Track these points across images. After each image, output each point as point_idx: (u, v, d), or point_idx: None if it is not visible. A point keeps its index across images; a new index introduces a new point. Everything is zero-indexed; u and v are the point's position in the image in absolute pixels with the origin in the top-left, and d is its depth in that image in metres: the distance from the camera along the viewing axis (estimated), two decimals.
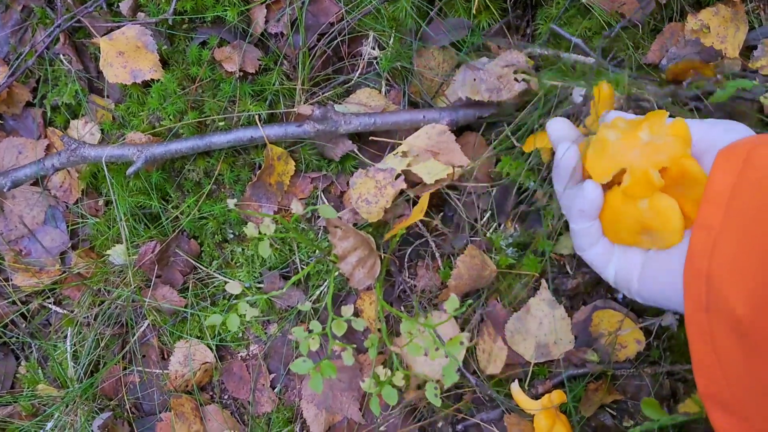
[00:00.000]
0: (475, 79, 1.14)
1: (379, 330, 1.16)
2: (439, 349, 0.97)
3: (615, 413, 1.14)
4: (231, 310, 1.00)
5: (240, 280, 1.23)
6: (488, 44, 1.21)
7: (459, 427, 1.17)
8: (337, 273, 1.13)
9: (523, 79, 1.10)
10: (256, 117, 1.18)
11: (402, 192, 1.15)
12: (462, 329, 1.18)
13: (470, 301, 0.99)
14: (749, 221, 0.67)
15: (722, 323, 0.66)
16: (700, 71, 1.04)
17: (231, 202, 0.96)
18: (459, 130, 1.18)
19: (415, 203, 1.18)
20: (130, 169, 1.15)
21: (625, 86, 1.02)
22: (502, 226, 1.19)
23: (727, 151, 0.73)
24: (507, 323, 1.14)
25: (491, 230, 1.18)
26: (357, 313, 1.22)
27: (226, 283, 1.23)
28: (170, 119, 1.20)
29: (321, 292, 1.21)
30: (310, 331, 1.01)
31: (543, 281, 1.14)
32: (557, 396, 1.09)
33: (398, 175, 1.13)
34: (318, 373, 0.97)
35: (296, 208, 1.00)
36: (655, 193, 0.77)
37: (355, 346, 1.05)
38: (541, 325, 1.14)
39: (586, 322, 1.13)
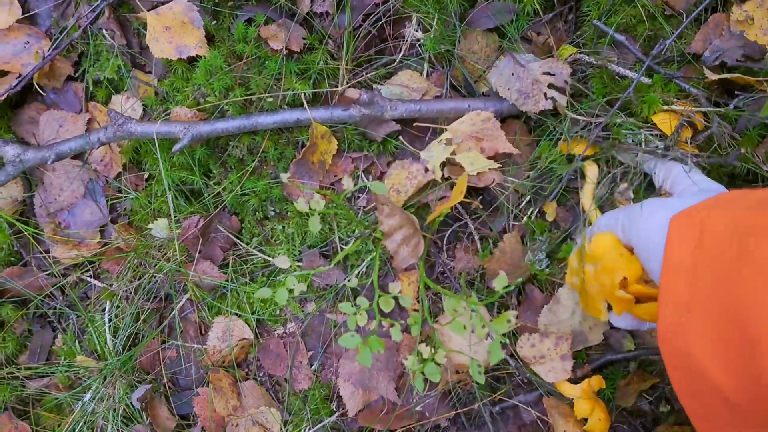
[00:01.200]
0: (513, 74, 1.15)
1: (419, 309, 1.17)
2: (485, 326, 0.98)
3: (651, 398, 1.14)
4: (279, 285, 1.01)
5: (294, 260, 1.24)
6: (530, 35, 1.21)
7: (496, 408, 1.18)
8: (380, 251, 1.14)
9: (552, 97, 1.10)
10: (302, 96, 1.19)
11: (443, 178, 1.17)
12: (498, 312, 1.19)
13: (520, 280, 1.00)
14: (722, 299, 0.65)
15: (716, 401, 0.66)
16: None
17: (284, 176, 0.96)
18: (503, 117, 1.19)
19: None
20: (176, 147, 1.15)
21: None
22: (537, 211, 1.19)
23: (680, 219, 0.75)
24: (539, 317, 1.15)
25: (530, 214, 1.19)
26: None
27: (265, 259, 1.24)
28: (216, 96, 1.20)
29: (359, 272, 1.22)
30: (357, 307, 1.02)
31: None
32: (596, 381, 1.10)
33: (427, 169, 1.17)
34: (366, 347, 0.98)
35: (347, 184, 1.01)
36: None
37: (402, 322, 1.06)
38: (574, 314, 1.14)
39: None
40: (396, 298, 1.02)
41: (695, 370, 0.67)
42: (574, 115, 1.12)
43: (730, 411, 0.65)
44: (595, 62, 1.14)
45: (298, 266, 1.23)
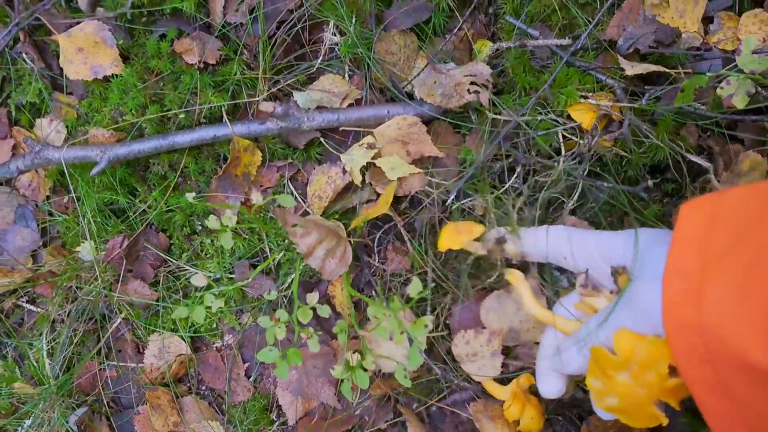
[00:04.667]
0: (435, 82, 1.14)
1: (350, 315, 1.17)
2: (404, 333, 0.98)
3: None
4: (197, 302, 1.01)
5: (211, 271, 1.24)
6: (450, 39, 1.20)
7: (433, 408, 1.18)
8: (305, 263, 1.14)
9: (475, 91, 1.10)
10: (223, 111, 1.18)
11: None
12: (434, 311, 1.19)
13: (433, 284, 0.99)
14: (744, 264, 0.62)
15: (734, 371, 0.62)
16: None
17: (189, 196, 0.96)
18: (428, 119, 1.18)
19: None
20: (94, 170, 1.15)
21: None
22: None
23: (691, 204, 0.71)
24: (485, 300, 1.13)
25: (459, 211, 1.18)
26: (329, 300, 1.22)
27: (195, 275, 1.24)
28: (132, 114, 1.20)
29: (292, 280, 1.22)
30: (277, 320, 1.02)
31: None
32: (525, 379, 1.10)
33: (345, 171, 1.16)
34: (284, 361, 0.98)
35: (256, 198, 1.01)
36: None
37: (320, 333, 1.06)
38: (519, 311, 1.13)
39: None
40: (314, 309, 1.02)
41: (712, 338, 0.63)
42: (495, 115, 1.11)
43: (749, 382, 0.61)
44: (513, 46, 1.14)
45: (230, 278, 1.22)
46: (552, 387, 0.94)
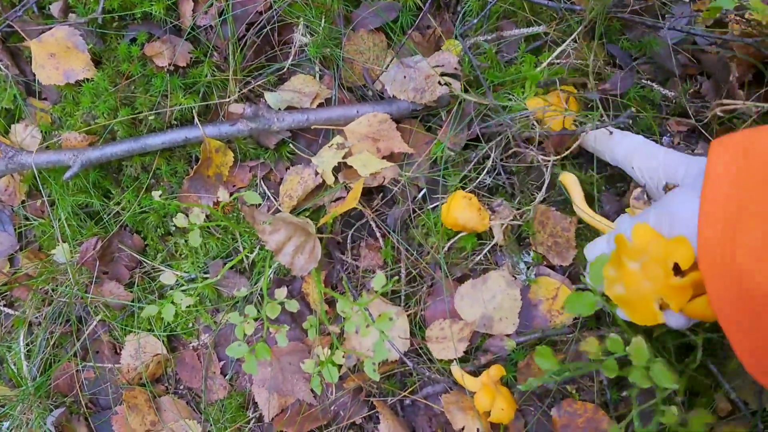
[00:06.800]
0: (405, 77, 1.16)
1: (324, 311, 1.18)
2: (370, 326, 0.99)
3: (557, 377, 1.15)
4: (167, 299, 1.02)
5: (186, 271, 1.25)
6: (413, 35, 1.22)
7: (407, 402, 1.19)
8: (275, 260, 1.15)
9: (446, 83, 1.12)
10: (194, 112, 1.20)
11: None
12: (407, 303, 1.20)
13: (396, 279, 1.01)
14: None
15: (766, 308, 0.65)
16: None
17: (156, 194, 0.97)
18: (399, 118, 1.20)
19: None
20: (67, 174, 1.17)
21: None
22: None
23: (721, 142, 0.74)
24: (461, 286, 1.15)
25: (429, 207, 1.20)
26: (303, 297, 1.24)
27: (175, 274, 1.25)
28: (104, 117, 1.21)
29: (266, 277, 1.23)
30: (246, 316, 1.03)
31: (507, 262, 1.15)
32: (496, 371, 1.11)
33: (317, 173, 1.18)
34: (252, 355, 0.99)
35: (223, 195, 1.02)
36: None
37: (293, 329, 1.07)
38: (493, 299, 1.15)
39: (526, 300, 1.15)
40: (282, 304, 1.04)
41: (743, 279, 0.66)
42: (469, 97, 1.12)
43: None
44: (488, 39, 1.16)
45: (205, 278, 1.24)
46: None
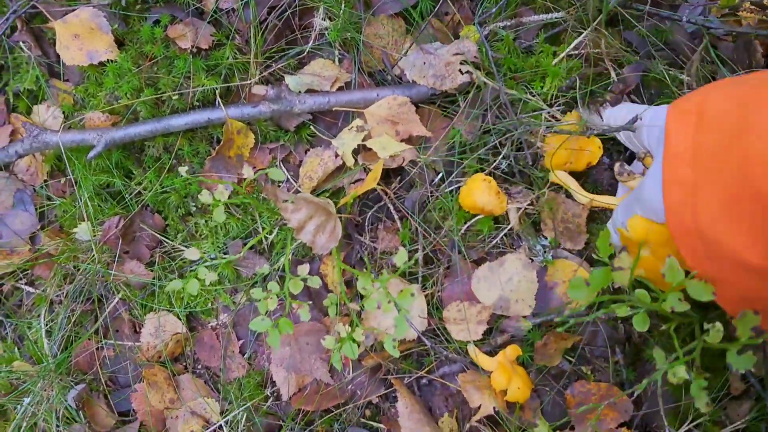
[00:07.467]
0: (424, 63, 1.17)
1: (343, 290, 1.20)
2: (391, 301, 1.00)
3: (573, 359, 1.17)
4: (191, 275, 1.04)
5: (206, 251, 1.26)
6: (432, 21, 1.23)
7: (424, 381, 1.21)
8: (297, 241, 1.17)
9: (468, 71, 1.13)
10: (216, 94, 1.21)
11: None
12: (424, 284, 1.21)
13: (417, 256, 1.02)
14: (729, 174, 0.69)
15: (733, 267, 0.71)
16: None
17: (182, 170, 0.99)
18: (418, 102, 1.21)
19: None
20: (91, 154, 1.18)
21: None
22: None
23: (676, 107, 0.78)
24: (478, 269, 1.16)
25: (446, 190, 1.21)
26: (321, 278, 1.25)
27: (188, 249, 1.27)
28: (127, 97, 1.23)
29: (286, 257, 1.25)
30: (269, 292, 1.05)
31: (524, 244, 1.17)
32: (512, 351, 1.13)
33: (337, 155, 1.20)
34: (276, 330, 1.00)
35: (248, 173, 1.04)
36: None
37: (311, 306, 1.09)
38: (510, 281, 1.16)
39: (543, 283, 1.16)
40: (305, 280, 1.05)
41: (709, 241, 0.72)
42: (492, 84, 1.13)
43: (748, 276, 0.70)
44: (508, 25, 1.17)
45: (224, 258, 1.25)
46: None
